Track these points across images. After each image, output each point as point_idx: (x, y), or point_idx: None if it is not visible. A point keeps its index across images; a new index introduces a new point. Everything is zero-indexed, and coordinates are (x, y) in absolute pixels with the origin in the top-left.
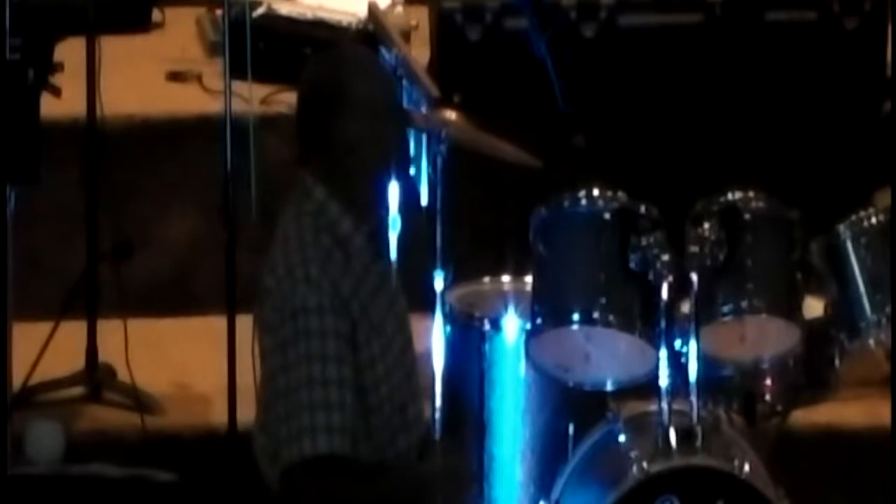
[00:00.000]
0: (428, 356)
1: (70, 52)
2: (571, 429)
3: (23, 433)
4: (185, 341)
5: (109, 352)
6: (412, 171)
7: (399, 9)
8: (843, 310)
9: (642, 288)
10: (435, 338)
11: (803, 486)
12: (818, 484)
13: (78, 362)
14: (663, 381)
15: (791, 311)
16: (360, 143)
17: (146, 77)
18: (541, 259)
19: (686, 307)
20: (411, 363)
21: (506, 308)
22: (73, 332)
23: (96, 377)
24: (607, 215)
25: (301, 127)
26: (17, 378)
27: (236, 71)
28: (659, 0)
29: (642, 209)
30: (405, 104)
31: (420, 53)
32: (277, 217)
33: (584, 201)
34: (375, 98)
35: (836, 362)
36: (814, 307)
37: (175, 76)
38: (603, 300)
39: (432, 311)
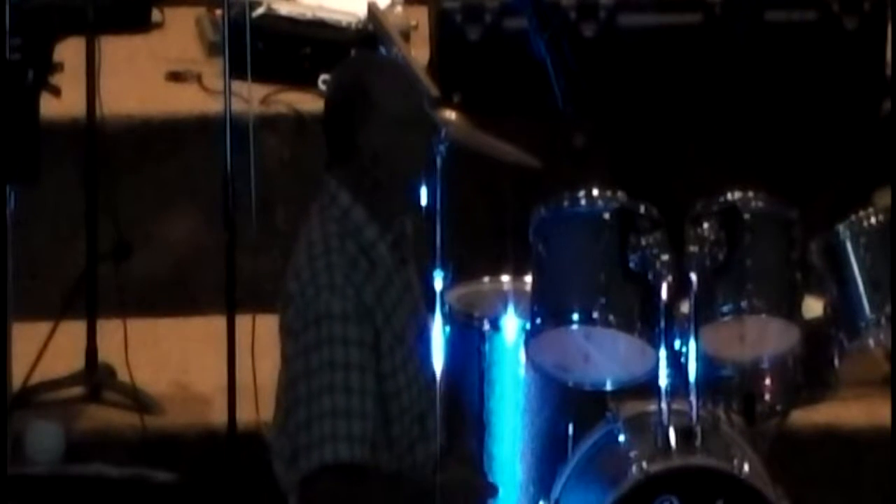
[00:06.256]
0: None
1: (70, 52)
2: (571, 429)
3: (23, 433)
4: (184, 341)
5: (109, 352)
6: None
7: (399, 9)
8: (843, 310)
9: (642, 288)
10: (435, 338)
11: (803, 486)
12: (818, 484)
13: (78, 362)
14: (663, 381)
15: (791, 311)
16: (387, 151)
17: (146, 77)
18: (540, 259)
19: (686, 307)
20: (431, 373)
21: (505, 308)
22: (73, 332)
23: (96, 377)
24: (607, 215)
25: (328, 133)
26: (17, 378)
27: (236, 71)
28: (659, 0)
29: (642, 209)
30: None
31: (420, 53)
32: (277, 217)
33: (583, 201)
34: (403, 107)
35: (836, 362)
36: (814, 307)
37: (175, 76)
38: (602, 300)
39: (432, 311)
